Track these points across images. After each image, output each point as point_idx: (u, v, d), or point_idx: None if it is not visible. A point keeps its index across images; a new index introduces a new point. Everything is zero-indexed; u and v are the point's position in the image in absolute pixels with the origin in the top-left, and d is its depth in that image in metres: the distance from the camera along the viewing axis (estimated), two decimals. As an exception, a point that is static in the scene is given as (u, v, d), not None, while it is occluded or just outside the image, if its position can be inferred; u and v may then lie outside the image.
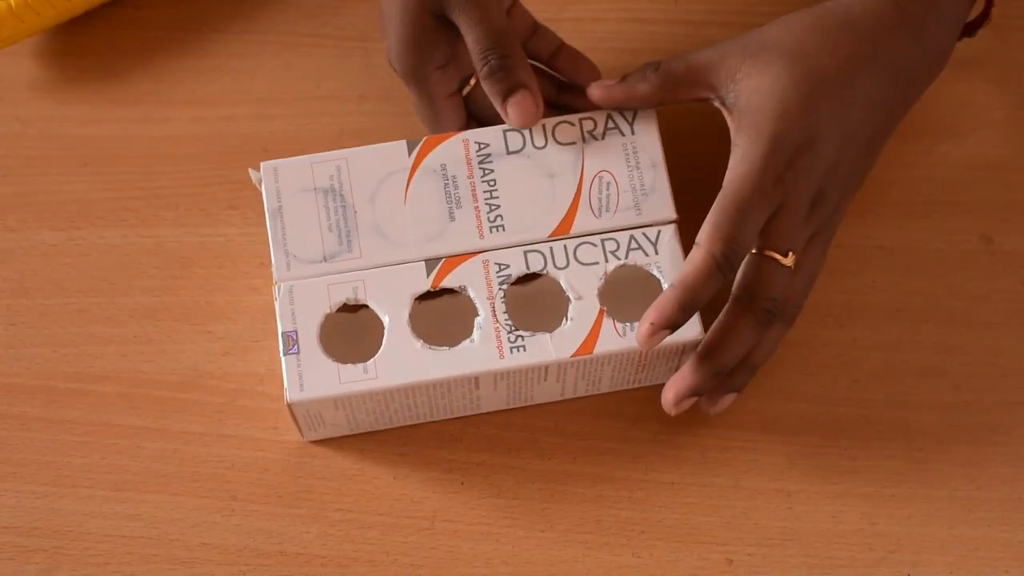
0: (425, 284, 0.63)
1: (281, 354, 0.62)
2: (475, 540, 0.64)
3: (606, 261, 0.64)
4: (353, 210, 0.64)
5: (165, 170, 0.73)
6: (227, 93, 0.75)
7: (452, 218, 0.64)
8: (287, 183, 0.65)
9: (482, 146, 0.65)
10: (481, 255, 0.63)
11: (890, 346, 0.69)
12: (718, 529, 0.65)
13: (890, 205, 0.72)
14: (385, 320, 0.63)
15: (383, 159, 0.65)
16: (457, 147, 0.65)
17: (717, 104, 0.63)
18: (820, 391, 0.68)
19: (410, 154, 0.65)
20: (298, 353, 0.62)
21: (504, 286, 0.63)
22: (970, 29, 0.67)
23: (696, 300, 0.60)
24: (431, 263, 0.63)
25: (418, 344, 0.62)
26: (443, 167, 0.65)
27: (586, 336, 0.62)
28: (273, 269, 0.63)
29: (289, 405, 0.61)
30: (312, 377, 0.61)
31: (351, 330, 0.64)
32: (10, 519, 0.65)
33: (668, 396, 0.62)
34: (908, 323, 0.69)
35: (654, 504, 0.65)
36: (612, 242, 0.64)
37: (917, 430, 0.67)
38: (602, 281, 0.63)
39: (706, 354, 0.61)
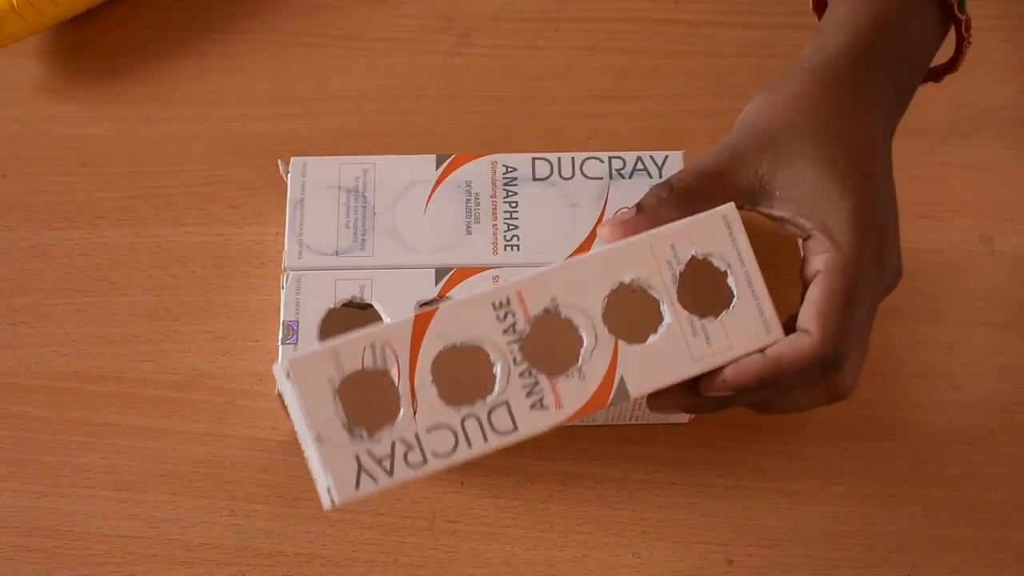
0: (432, 291, 0.63)
1: (279, 342, 0.62)
2: (475, 540, 0.64)
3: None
4: (373, 211, 0.65)
5: (165, 170, 0.73)
6: (227, 93, 0.75)
7: (469, 232, 0.64)
8: (313, 178, 0.65)
9: (509, 169, 0.66)
10: (492, 270, 0.63)
11: (890, 346, 0.69)
12: (718, 529, 0.65)
13: (890, 205, 0.72)
14: (387, 322, 0.62)
15: (411, 169, 0.66)
16: (485, 168, 0.66)
17: (748, 208, 0.58)
18: (820, 391, 0.68)
19: (438, 168, 0.66)
20: (296, 344, 0.62)
21: None
22: (936, 75, 0.64)
23: (780, 384, 0.55)
24: (441, 272, 0.64)
25: None
26: (468, 184, 0.65)
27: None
28: (284, 255, 0.64)
29: (280, 395, 0.62)
30: None
31: (353, 327, 0.64)
32: (10, 519, 0.65)
33: (656, 404, 0.57)
34: (908, 323, 0.69)
35: (654, 504, 0.65)
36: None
37: (917, 430, 0.67)
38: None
39: (738, 387, 0.55)
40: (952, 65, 0.63)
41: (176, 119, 0.74)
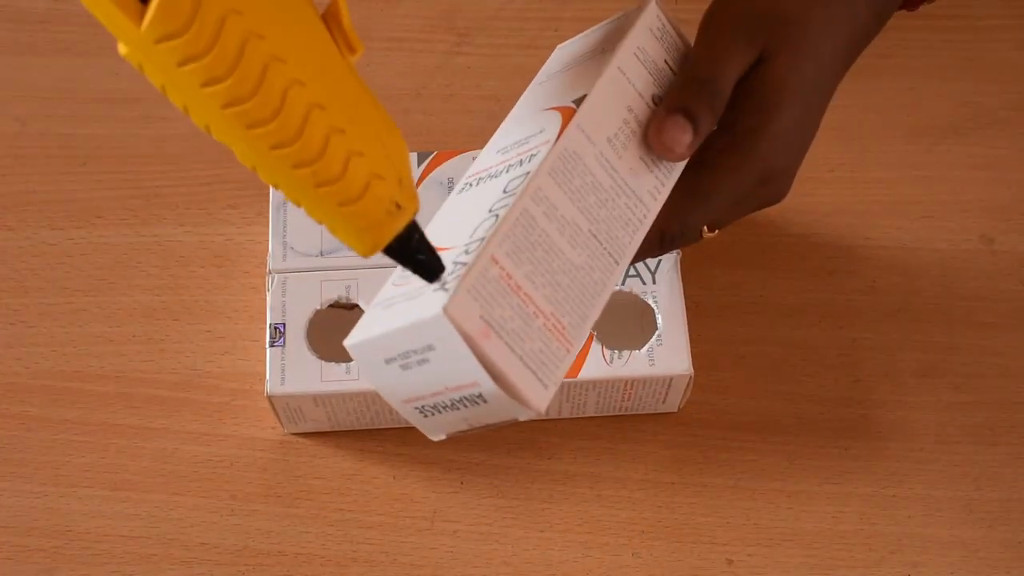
0: None
1: (267, 345, 0.62)
2: (475, 540, 0.64)
3: None
4: None
5: (164, 170, 0.73)
6: (227, 92, 0.75)
7: None
8: None
9: None
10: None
11: (890, 346, 0.69)
12: (718, 529, 0.65)
13: (890, 205, 0.72)
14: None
15: None
16: (466, 163, 0.66)
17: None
18: (820, 391, 0.68)
19: (419, 164, 0.66)
20: (283, 346, 0.62)
21: None
22: (913, 3, 0.62)
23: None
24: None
25: None
26: (450, 180, 0.65)
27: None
28: (269, 258, 0.64)
29: (269, 397, 0.62)
30: (294, 372, 0.62)
31: (340, 327, 0.64)
32: (9, 518, 0.65)
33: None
34: (908, 323, 0.69)
35: (654, 504, 0.65)
36: None
37: (918, 430, 0.67)
38: None
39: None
40: None
41: (176, 119, 0.73)
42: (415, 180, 0.65)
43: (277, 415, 0.64)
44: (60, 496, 0.65)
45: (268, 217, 0.66)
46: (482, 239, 0.48)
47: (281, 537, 0.64)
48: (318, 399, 0.62)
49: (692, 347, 0.63)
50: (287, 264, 0.64)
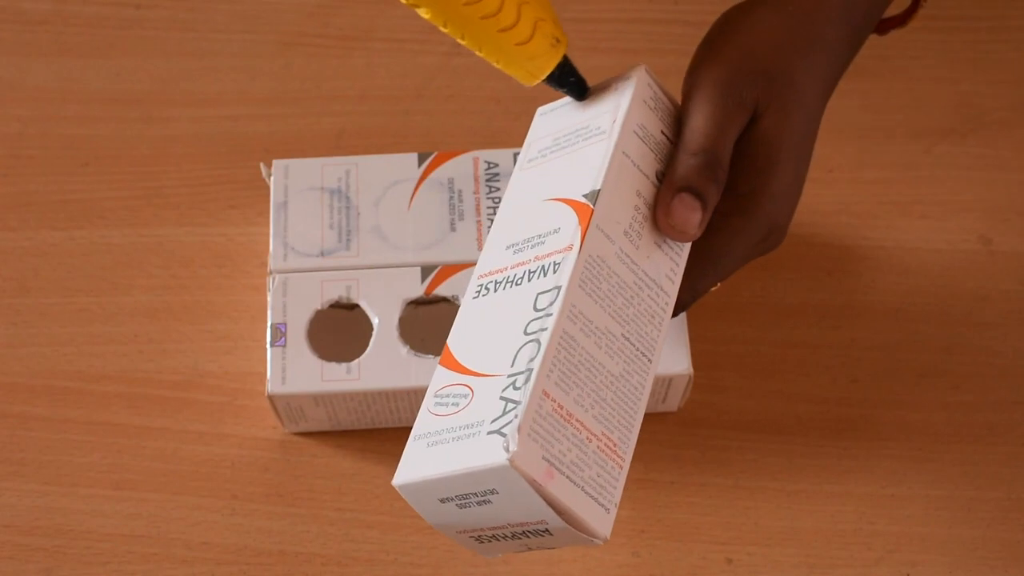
0: (419, 289, 0.63)
1: (267, 345, 0.62)
2: (475, 539, 0.64)
3: None
4: (356, 211, 0.65)
5: (166, 170, 0.73)
6: (227, 93, 0.75)
7: (453, 228, 0.65)
8: (296, 180, 0.66)
9: (492, 165, 0.66)
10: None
11: (890, 346, 0.69)
12: (718, 529, 0.65)
13: (890, 205, 0.72)
14: (375, 322, 0.63)
15: (393, 168, 0.66)
16: (467, 164, 0.66)
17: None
18: (820, 391, 0.68)
19: (420, 165, 0.66)
20: (284, 346, 0.62)
21: None
22: (884, 27, 0.61)
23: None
24: (427, 269, 0.64)
25: (404, 350, 0.62)
26: (451, 181, 0.66)
27: None
28: (270, 258, 0.64)
29: (270, 397, 0.62)
30: (295, 372, 0.62)
31: (341, 327, 0.64)
32: (11, 518, 0.65)
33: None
34: (908, 323, 0.69)
35: (654, 504, 0.65)
36: None
37: (917, 430, 0.67)
38: None
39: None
40: (903, 20, 0.61)
41: (177, 119, 0.74)
42: (415, 180, 0.66)
43: (278, 415, 0.64)
44: (61, 496, 0.65)
45: (269, 217, 0.66)
46: (527, 371, 0.47)
47: (282, 536, 0.64)
48: (319, 399, 0.62)
49: (692, 347, 0.63)
50: (288, 264, 0.64)
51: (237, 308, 0.69)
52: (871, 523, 0.65)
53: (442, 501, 0.48)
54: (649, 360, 0.51)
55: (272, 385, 0.62)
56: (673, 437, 0.67)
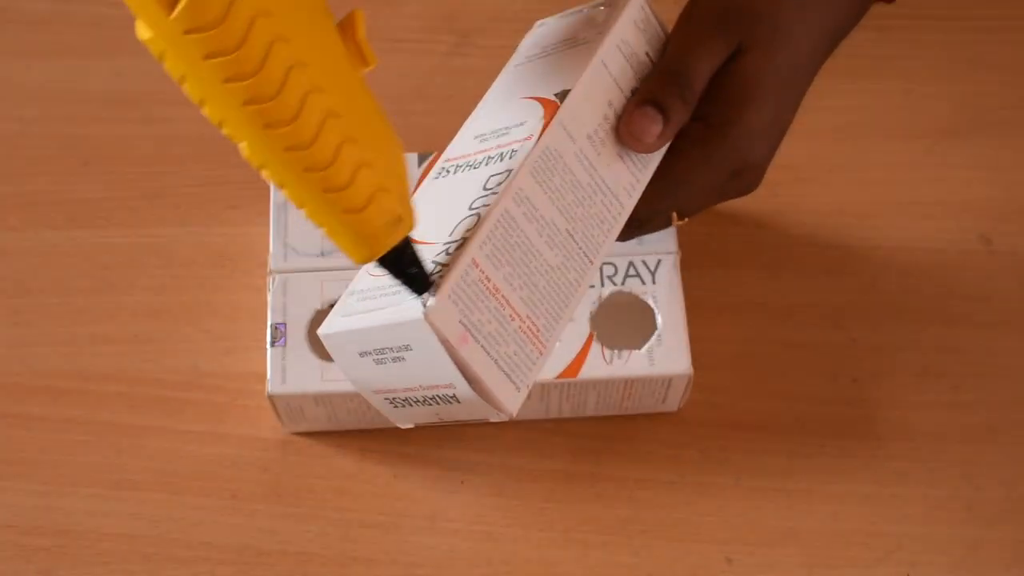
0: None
1: (267, 345, 0.62)
2: (475, 540, 0.64)
3: (602, 286, 0.64)
4: None
5: (166, 170, 0.73)
6: (228, 93, 0.75)
7: None
8: None
9: None
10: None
11: (890, 346, 0.69)
12: (718, 529, 0.65)
13: (890, 205, 0.72)
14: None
15: None
16: None
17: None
18: (820, 391, 0.68)
19: (419, 165, 0.66)
20: (284, 346, 0.62)
21: None
22: None
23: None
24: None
25: None
26: None
27: (572, 359, 0.62)
28: (270, 258, 0.64)
29: (270, 397, 0.62)
30: (295, 372, 0.62)
31: None
32: (11, 518, 0.65)
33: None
34: (908, 323, 0.69)
35: (654, 504, 0.65)
36: (610, 267, 0.64)
37: (917, 430, 0.67)
38: (596, 306, 0.63)
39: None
40: None
41: (177, 119, 0.74)
42: (416, 180, 0.66)
43: (278, 415, 0.64)
44: (61, 495, 0.65)
45: (269, 218, 0.66)
46: (462, 239, 0.48)
47: (282, 536, 0.64)
48: (319, 399, 0.62)
49: (692, 347, 0.63)
50: (288, 264, 0.64)
51: (237, 308, 0.69)
52: (871, 523, 0.65)
53: (360, 355, 0.49)
54: (590, 262, 0.52)
55: (272, 385, 0.62)
56: (673, 437, 0.67)
